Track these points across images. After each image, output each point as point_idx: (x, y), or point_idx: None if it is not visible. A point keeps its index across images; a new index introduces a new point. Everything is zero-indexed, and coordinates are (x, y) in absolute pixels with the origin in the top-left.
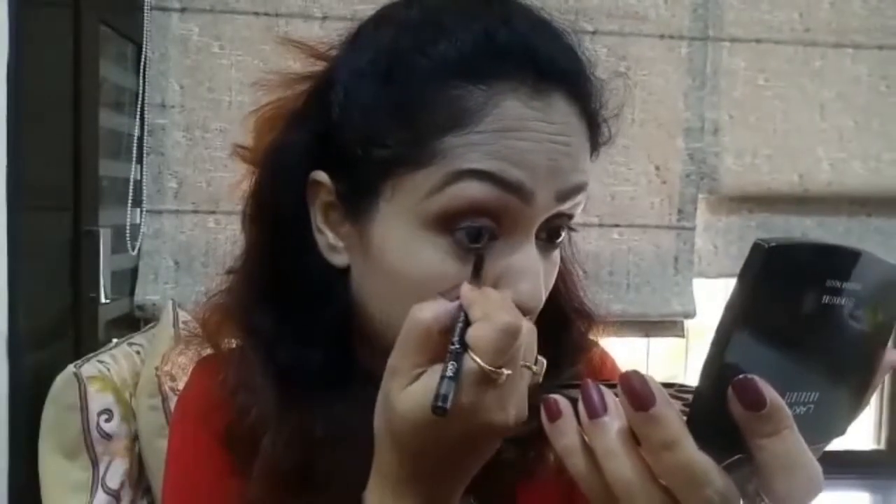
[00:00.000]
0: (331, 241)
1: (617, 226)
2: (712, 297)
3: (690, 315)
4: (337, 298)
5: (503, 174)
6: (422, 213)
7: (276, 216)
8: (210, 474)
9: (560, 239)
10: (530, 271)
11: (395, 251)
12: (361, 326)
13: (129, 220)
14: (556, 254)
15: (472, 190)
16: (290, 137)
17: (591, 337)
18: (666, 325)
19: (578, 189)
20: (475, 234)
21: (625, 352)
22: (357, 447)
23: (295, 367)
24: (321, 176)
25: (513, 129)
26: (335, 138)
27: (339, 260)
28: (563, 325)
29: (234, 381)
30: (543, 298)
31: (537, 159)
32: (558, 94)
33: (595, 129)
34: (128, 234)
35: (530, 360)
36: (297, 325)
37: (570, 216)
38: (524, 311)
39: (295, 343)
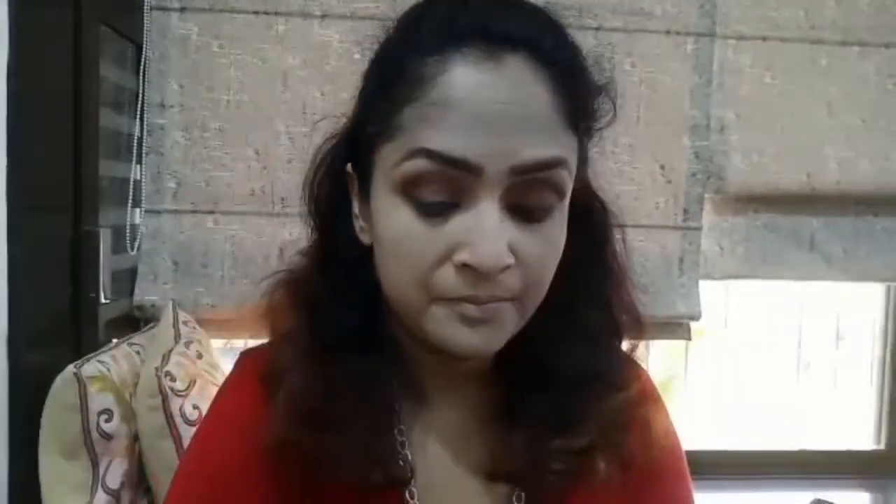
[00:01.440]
0: (361, 224)
1: (621, 226)
2: (712, 297)
3: (696, 317)
4: (370, 273)
5: (449, 152)
6: (390, 181)
7: (324, 207)
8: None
9: (547, 210)
10: (486, 232)
11: (380, 218)
12: (387, 301)
13: (128, 220)
14: (550, 229)
15: (422, 166)
16: (333, 139)
17: (635, 357)
18: (671, 327)
19: (542, 165)
20: (428, 199)
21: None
22: (369, 397)
23: (334, 326)
24: (349, 168)
25: (462, 98)
26: (350, 127)
27: (366, 240)
28: (612, 330)
29: (278, 338)
30: (504, 262)
31: (486, 132)
32: (515, 60)
33: (574, 99)
34: (128, 235)
35: None
36: (339, 293)
37: (555, 190)
38: (482, 273)
39: (337, 307)
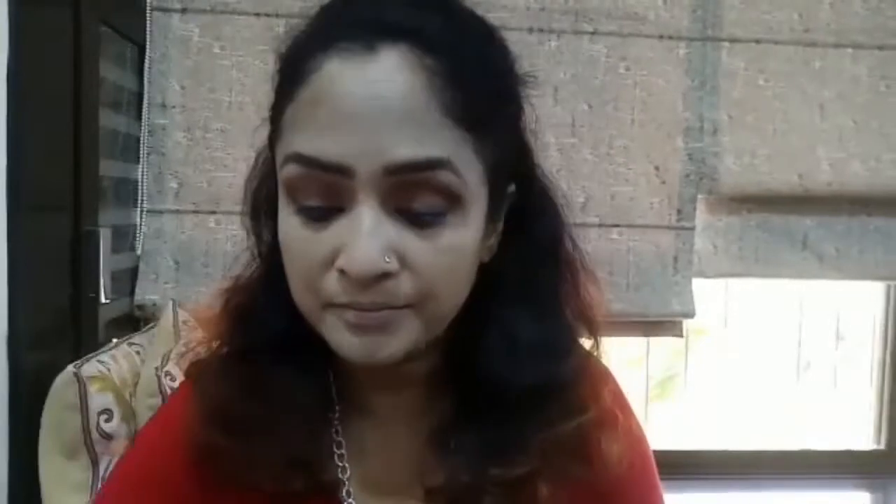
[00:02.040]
0: None
1: (616, 226)
2: (711, 297)
3: (690, 315)
4: None
5: (318, 155)
6: (279, 184)
7: (258, 210)
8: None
9: (440, 214)
10: (359, 237)
11: (280, 222)
12: None
13: (129, 220)
14: (443, 233)
15: (296, 171)
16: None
17: (600, 361)
18: (665, 326)
19: (421, 165)
20: (311, 208)
21: (624, 352)
22: (293, 401)
23: (263, 330)
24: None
25: (331, 95)
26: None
27: None
28: (564, 342)
29: (210, 341)
30: (378, 268)
31: (355, 132)
32: (393, 52)
33: (461, 94)
34: (129, 235)
35: None
36: (271, 297)
37: (443, 193)
38: (354, 279)
39: (269, 311)
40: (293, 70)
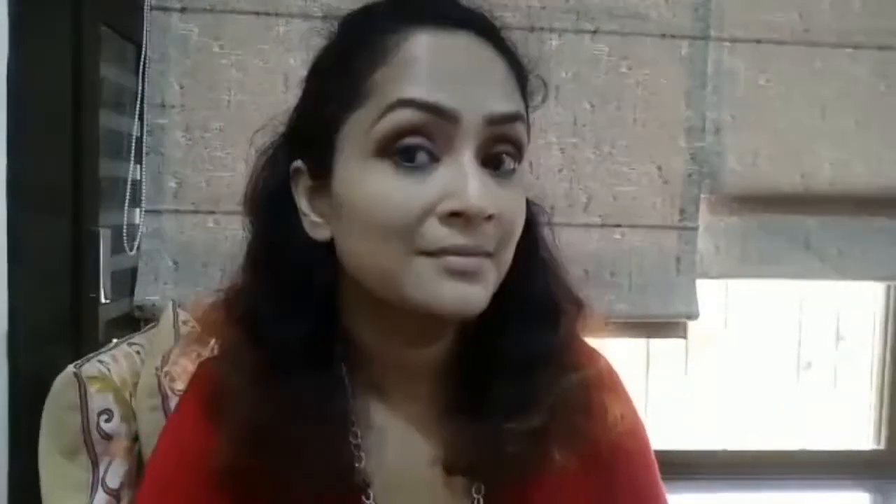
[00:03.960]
0: (313, 219)
1: (619, 226)
2: (711, 296)
3: (693, 316)
4: (322, 274)
5: (427, 98)
6: (365, 146)
7: (266, 208)
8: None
9: (512, 169)
10: (472, 180)
11: (349, 188)
12: (348, 294)
13: (129, 220)
14: (517, 188)
15: (403, 116)
16: (269, 149)
17: (595, 346)
18: (668, 327)
19: (509, 117)
20: (410, 152)
21: (625, 352)
22: (321, 411)
23: (279, 338)
24: (297, 163)
25: (429, 55)
26: (300, 123)
27: (322, 234)
28: (554, 311)
29: (221, 356)
30: (490, 208)
31: (458, 82)
32: (465, 33)
33: (518, 72)
34: (128, 235)
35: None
36: (283, 301)
37: (516, 146)
38: (471, 220)
39: (281, 316)
40: (369, 48)
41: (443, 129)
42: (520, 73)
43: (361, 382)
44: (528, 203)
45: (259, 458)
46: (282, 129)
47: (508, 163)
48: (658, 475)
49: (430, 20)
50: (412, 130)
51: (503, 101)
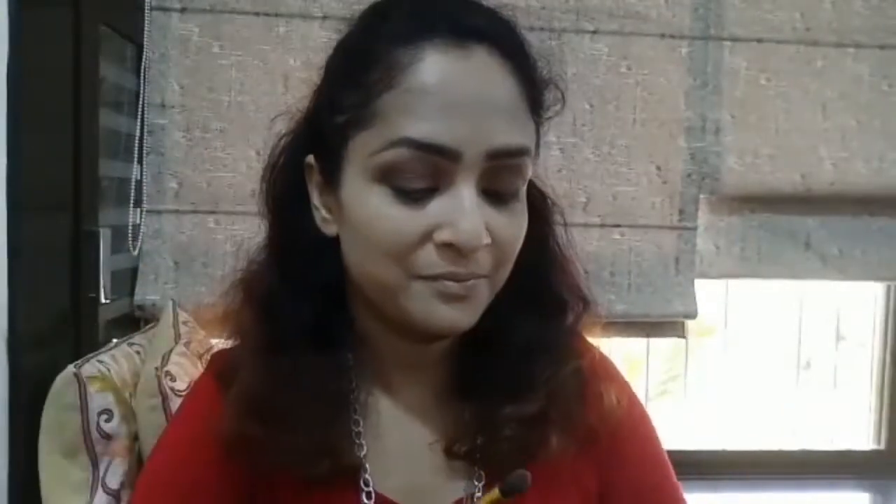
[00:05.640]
0: (324, 215)
1: (618, 226)
2: (711, 296)
3: (692, 316)
4: (330, 264)
5: (430, 140)
6: (368, 168)
7: (281, 200)
8: (196, 468)
9: (516, 195)
10: (467, 212)
11: (354, 205)
12: (353, 288)
13: (129, 220)
14: (517, 211)
15: (404, 155)
16: (290, 134)
17: (590, 339)
18: (667, 326)
19: (513, 152)
20: (410, 183)
21: (625, 352)
22: (321, 389)
23: (289, 320)
24: (310, 159)
25: (437, 85)
26: (315, 118)
27: (330, 230)
28: (558, 305)
29: (235, 333)
30: (483, 240)
31: (463, 118)
32: (481, 50)
33: (533, 89)
34: (128, 235)
35: None
36: (295, 287)
37: (520, 174)
38: (463, 251)
39: (293, 301)
40: (379, 61)
41: (442, 165)
42: (534, 88)
43: (366, 374)
44: (546, 199)
45: (255, 428)
46: (300, 116)
47: (509, 192)
48: (660, 444)
49: (446, 34)
50: (412, 168)
51: (508, 133)
